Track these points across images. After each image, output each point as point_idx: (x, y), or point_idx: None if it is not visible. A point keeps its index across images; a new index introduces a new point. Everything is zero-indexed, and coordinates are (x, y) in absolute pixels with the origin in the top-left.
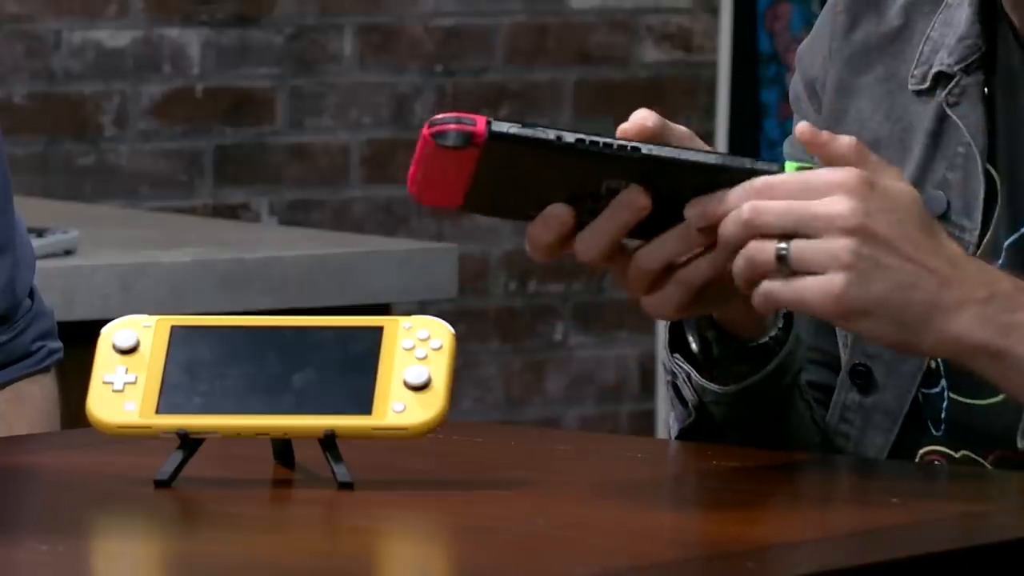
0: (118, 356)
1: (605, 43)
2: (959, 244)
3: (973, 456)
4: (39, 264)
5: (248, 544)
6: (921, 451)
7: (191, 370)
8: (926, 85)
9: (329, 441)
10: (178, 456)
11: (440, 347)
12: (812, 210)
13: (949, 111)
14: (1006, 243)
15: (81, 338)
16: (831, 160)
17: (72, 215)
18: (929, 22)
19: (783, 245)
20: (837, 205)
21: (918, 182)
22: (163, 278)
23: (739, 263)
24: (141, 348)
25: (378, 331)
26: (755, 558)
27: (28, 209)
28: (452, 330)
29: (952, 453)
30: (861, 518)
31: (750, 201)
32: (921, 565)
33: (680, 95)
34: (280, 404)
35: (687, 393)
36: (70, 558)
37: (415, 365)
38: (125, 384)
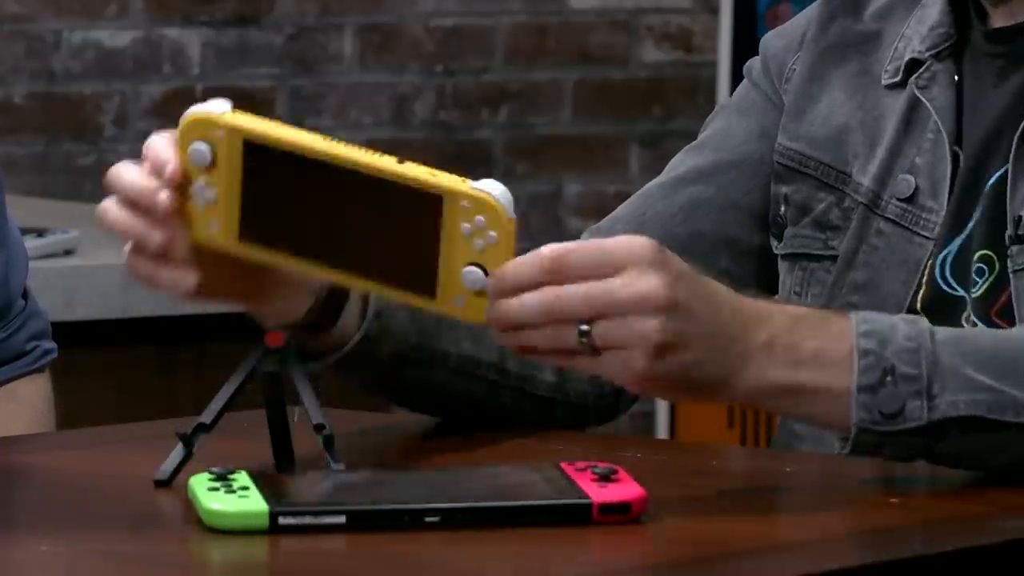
0: (197, 169)
1: (605, 43)
2: (924, 225)
3: None
4: (37, 264)
5: (248, 544)
6: None
7: (267, 199)
8: (898, 78)
9: (328, 441)
10: (178, 456)
11: (496, 241)
12: (617, 295)
13: (919, 94)
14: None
15: (80, 338)
16: (519, 281)
17: (72, 215)
18: (903, 24)
19: (585, 327)
20: (641, 283)
21: (888, 168)
22: None
23: (541, 343)
24: (218, 163)
25: (438, 201)
26: (755, 558)
27: (28, 209)
28: (510, 216)
29: None
30: (861, 518)
31: (550, 288)
32: (921, 565)
33: (680, 95)
34: (345, 258)
35: None
36: (70, 558)
37: (472, 268)
38: (205, 204)
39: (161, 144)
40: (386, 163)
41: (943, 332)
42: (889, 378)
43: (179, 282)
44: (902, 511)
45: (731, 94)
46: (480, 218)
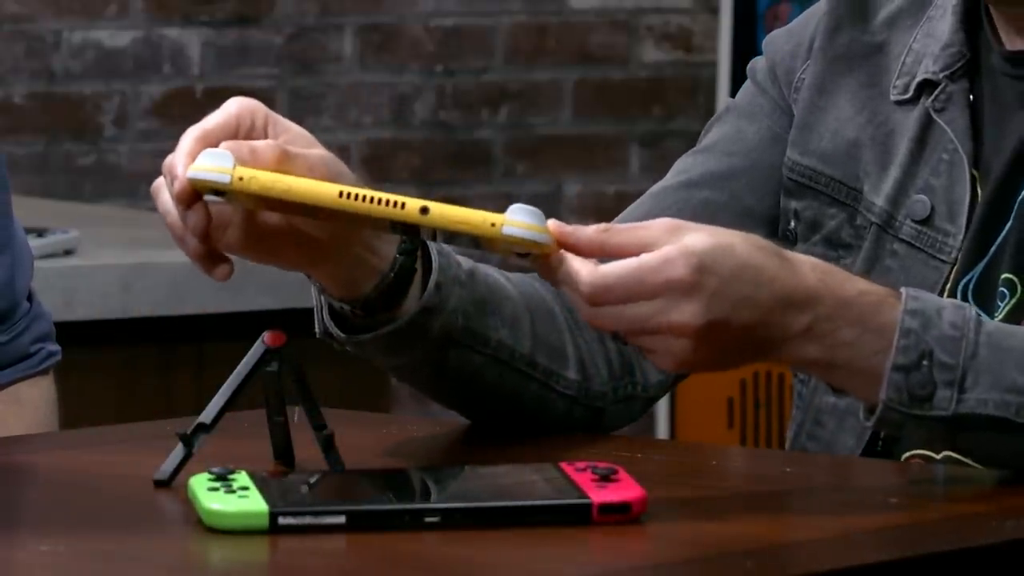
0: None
1: (605, 43)
2: (940, 248)
3: (955, 456)
4: (37, 264)
5: (248, 544)
6: (904, 455)
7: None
8: (909, 95)
9: (328, 441)
10: (178, 456)
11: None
12: (649, 323)
13: (936, 116)
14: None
15: (81, 339)
16: (578, 250)
17: (72, 215)
18: (910, 35)
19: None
20: (674, 313)
21: (902, 187)
22: (163, 278)
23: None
24: (230, 200)
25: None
26: (755, 558)
27: (28, 209)
28: (547, 241)
29: (933, 455)
30: (860, 518)
31: (586, 307)
32: (921, 565)
33: (680, 95)
34: None
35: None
36: (70, 558)
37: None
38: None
39: (170, 198)
40: (409, 213)
41: (991, 324)
42: (925, 362)
43: (218, 271)
44: (902, 511)
45: (731, 94)
46: (517, 248)
